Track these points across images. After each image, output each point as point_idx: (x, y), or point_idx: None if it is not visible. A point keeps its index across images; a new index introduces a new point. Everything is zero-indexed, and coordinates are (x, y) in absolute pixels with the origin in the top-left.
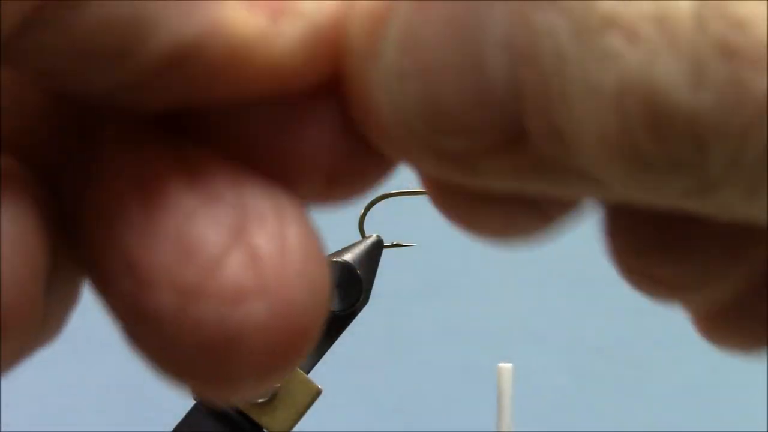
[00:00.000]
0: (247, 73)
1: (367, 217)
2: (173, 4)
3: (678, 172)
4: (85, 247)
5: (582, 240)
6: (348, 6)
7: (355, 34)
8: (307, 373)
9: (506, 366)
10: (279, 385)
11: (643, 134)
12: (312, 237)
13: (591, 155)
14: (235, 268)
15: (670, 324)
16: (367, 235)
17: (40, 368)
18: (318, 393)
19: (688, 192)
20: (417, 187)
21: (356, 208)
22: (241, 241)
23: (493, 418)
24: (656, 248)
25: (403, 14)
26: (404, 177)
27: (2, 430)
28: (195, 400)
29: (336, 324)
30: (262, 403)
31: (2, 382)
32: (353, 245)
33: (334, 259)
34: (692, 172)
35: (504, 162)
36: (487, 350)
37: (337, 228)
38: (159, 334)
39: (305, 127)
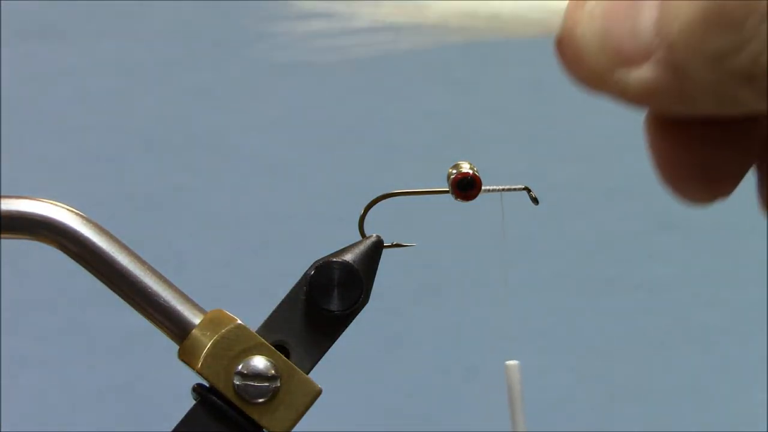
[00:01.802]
0: None
1: (367, 217)
2: None
3: None
4: None
5: (582, 240)
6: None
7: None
8: (307, 373)
9: (513, 363)
10: (279, 384)
11: None
12: None
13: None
14: None
15: (671, 324)
16: (367, 235)
17: (40, 368)
18: (318, 393)
19: None
20: (418, 187)
21: (356, 208)
22: None
23: (492, 417)
24: (705, 141)
25: None
26: (404, 177)
27: (2, 430)
28: (195, 400)
29: (336, 324)
30: (262, 403)
31: (2, 382)
32: (353, 245)
33: (334, 259)
34: None
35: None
36: (486, 350)
37: (337, 228)
38: None
39: None
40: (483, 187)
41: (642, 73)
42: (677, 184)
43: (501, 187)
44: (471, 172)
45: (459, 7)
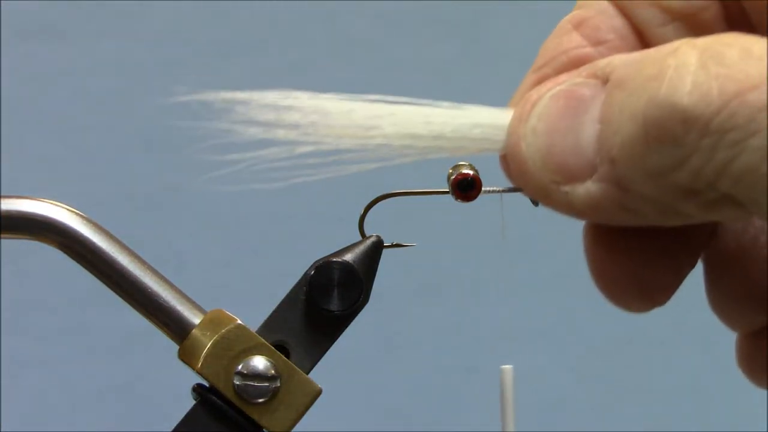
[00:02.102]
0: None
1: (367, 217)
2: None
3: None
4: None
5: (582, 239)
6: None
7: (516, 115)
8: (307, 373)
9: (507, 368)
10: (279, 384)
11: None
12: None
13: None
14: None
15: (671, 324)
16: (367, 235)
17: (40, 368)
18: (318, 393)
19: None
20: (418, 188)
21: (356, 208)
22: None
23: (492, 417)
24: (635, 251)
25: (542, 102)
26: (404, 177)
27: (2, 430)
28: (195, 400)
29: (336, 324)
30: (262, 403)
31: (2, 382)
32: (353, 245)
33: (334, 259)
34: None
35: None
36: (486, 350)
37: (337, 228)
38: None
39: None
40: (483, 188)
41: (586, 189)
42: (613, 292)
43: (501, 188)
44: (471, 173)
45: (403, 130)
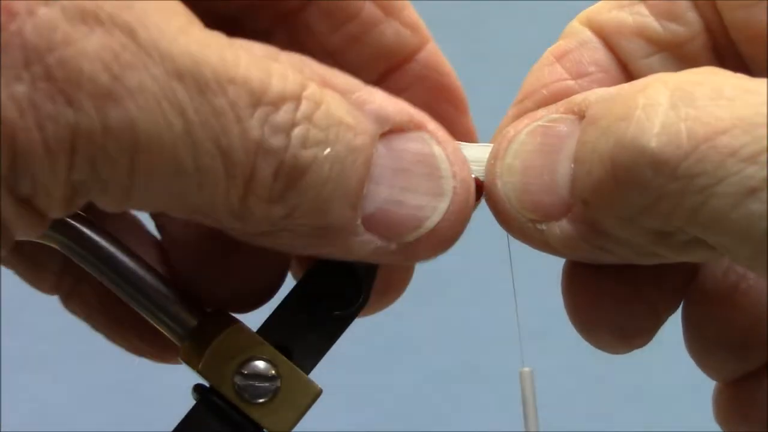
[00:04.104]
0: None
1: None
2: None
3: None
4: None
5: None
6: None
7: (493, 152)
8: (308, 373)
9: (526, 370)
10: (279, 385)
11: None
12: None
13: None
14: None
15: (672, 323)
16: None
17: (40, 368)
18: (318, 393)
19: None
20: None
21: None
22: None
23: (492, 418)
24: (610, 292)
25: (519, 138)
26: None
27: (2, 430)
28: (195, 400)
29: (336, 324)
30: (262, 403)
31: (2, 382)
32: None
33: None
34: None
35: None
36: (486, 351)
37: None
38: None
39: None
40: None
41: (561, 228)
42: (589, 332)
43: None
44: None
45: None
